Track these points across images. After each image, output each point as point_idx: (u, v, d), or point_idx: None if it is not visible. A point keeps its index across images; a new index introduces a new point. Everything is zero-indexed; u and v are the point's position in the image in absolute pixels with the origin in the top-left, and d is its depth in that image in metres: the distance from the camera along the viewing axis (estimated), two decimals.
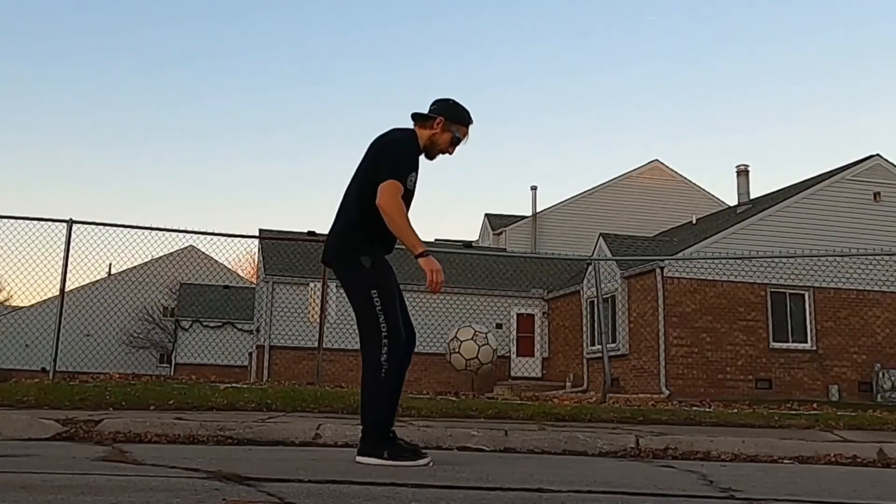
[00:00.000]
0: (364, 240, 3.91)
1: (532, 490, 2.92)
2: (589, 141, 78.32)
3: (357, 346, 3.92)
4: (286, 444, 4.93)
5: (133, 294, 35.59)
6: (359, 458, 3.74)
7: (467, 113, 4.12)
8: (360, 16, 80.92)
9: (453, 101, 4.12)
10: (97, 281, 33.16)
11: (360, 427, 3.86)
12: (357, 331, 3.88)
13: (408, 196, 3.93)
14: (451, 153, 4.12)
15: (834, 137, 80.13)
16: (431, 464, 3.68)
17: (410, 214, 3.94)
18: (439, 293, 3.86)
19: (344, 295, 4.01)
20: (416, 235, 3.81)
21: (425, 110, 4.09)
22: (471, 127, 4.13)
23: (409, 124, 4.12)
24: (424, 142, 4.04)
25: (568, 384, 22.66)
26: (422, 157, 4.08)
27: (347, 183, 4.10)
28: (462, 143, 4.12)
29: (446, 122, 4.04)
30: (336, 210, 4.09)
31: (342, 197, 4.10)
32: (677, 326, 19.15)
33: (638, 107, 78.12)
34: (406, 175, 3.90)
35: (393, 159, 3.89)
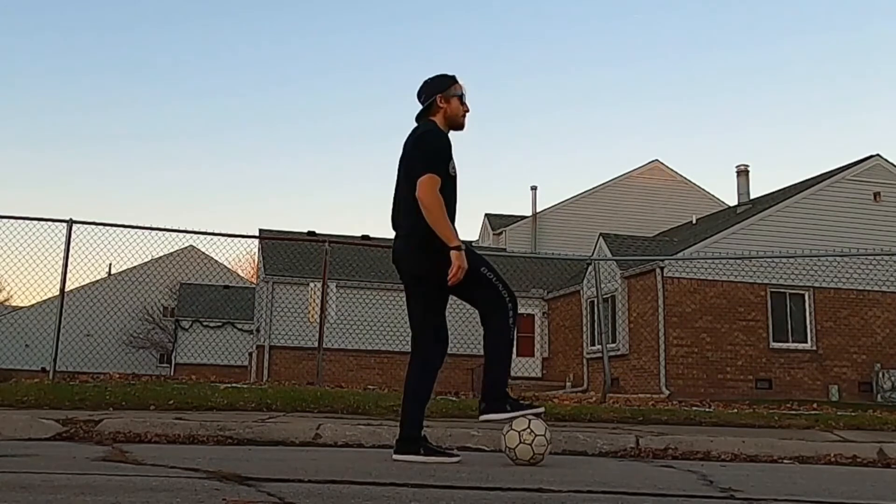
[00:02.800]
0: (435, 235, 4.00)
1: (532, 490, 2.92)
2: (589, 141, 78.38)
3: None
4: (286, 444, 4.94)
5: (133, 294, 35.59)
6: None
7: (448, 75, 4.24)
8: (361, 15, 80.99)
9: (430, 78, 4.23)
10: (97, 281, 33.15)
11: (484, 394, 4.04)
12: (410, 328, 4.12)
13: (452, 182, 4.07)
14: (468, 110, 4.24)
15: (834, 137, 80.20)
16: (543, 410, 4.11)
17: (459, 196, 4.15)
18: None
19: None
20: (451, 228, 3.95)
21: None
22: (460, 79, 4.24)
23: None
24: (444, 123, 4.17)
25: (568, 384, 22.66)
26: (457, 135, 4.21)
27: (395, 184, 4.23)
28: (466, 96, 4.24)
29: (444, 94, 4.17)
30: (392, 216, 4.21)
31: (395, 200, 4.21)
32: (677, 326, 19.15)
33: (638, 107, 78.18)
34: (444, 165, 4.03)
35: (427, 152, 4.03)
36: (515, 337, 4.13)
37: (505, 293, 4.00)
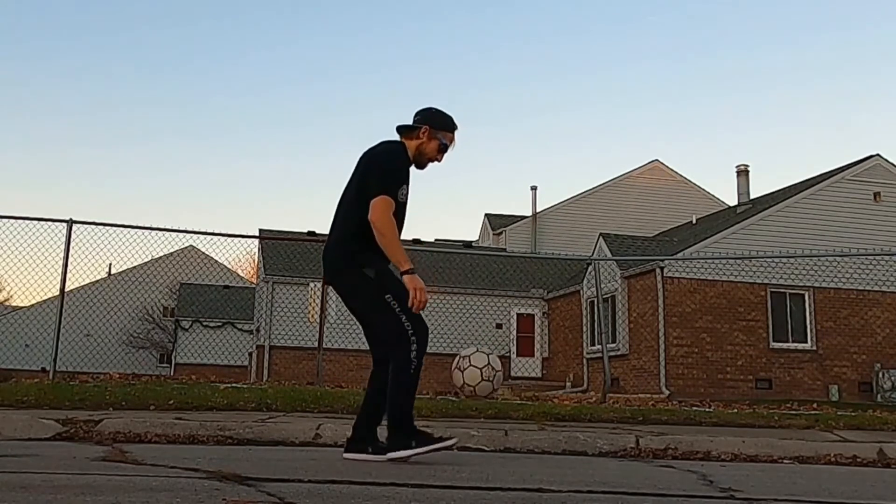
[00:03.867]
0: (363, 249, 3.93)
1: (532, 490, 2.92)
2: (589, 141, 78.36)
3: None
4: (286, 444, 4.94)
5: (133, 294, 35.58)
6: (391, 455, 3.80)
7: (451, 118, 4.15)
8: (360, 16, 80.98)
9: (435, 109, 4.15)
10: (97, 281, 33.18)
11: (387, 426, 3.92)
12: (370, 337, 4.01)
13: (401, 209, 3.96)
14: (439, 160, 4.15)
15: (834, 137, 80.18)
16: (458, 442, 4.00)
17: (406, 224, 4.02)
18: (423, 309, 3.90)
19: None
20: (404, 252, 3.87)
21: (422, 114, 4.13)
22: (456, 132, 4.15)
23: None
24: (413, 152, 4.07)
25: (568, 384, 22.66)
26: (413, 168, 4.10)
27: (340, 195, 4.12)
28: (450, 149, 4.15)
29: (432, 130, 4.07)
30: (331, 222, 4.10)
31: (336, 209, 4.12)
32: (677, 326, 19.15)
33: (638, 107, 78.16)
34: (397, 188, 3.93)
35: (383, 173, 3.93)
36: (418, 369, 3.85)
37: (408, 324, 3.84)
